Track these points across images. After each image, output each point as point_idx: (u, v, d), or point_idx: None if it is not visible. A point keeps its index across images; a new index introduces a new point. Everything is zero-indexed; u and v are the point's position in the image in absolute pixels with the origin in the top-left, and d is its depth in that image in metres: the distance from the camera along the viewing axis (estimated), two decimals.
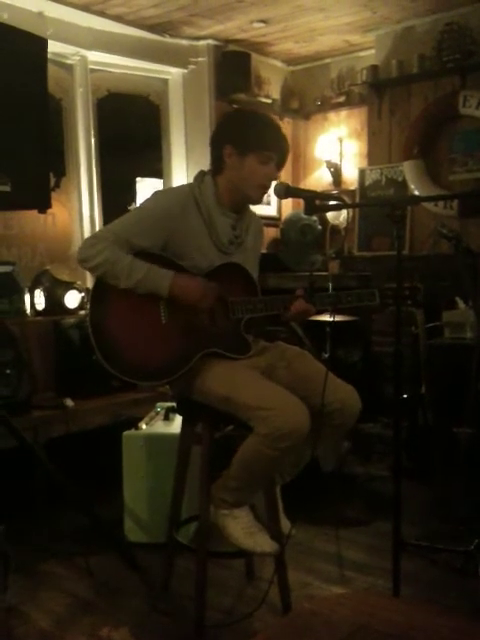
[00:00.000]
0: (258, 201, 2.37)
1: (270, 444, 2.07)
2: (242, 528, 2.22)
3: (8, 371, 3.28)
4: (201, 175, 2.38)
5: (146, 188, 4.89)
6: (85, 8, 4.31)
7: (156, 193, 2.37)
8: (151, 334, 2.23)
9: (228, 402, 2.18)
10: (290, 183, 2.43)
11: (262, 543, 2.23)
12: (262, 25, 4.65)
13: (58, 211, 4.44)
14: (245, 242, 2.43)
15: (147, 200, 2.32)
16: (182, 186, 2.44)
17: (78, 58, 4.51)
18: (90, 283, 4.50)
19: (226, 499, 2.23)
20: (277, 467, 2.26)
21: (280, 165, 2.34)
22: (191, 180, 2.41)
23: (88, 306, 2.24)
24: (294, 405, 2.10)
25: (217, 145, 2.34)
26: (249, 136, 2.28)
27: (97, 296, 2.23)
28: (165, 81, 5.09)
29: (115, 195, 4.82)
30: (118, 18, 4.51)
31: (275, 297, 2.29)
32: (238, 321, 2.30)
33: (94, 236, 2.29)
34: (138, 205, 2.34)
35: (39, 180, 2.89)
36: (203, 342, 2.26)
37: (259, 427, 2.08)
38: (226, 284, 2.30)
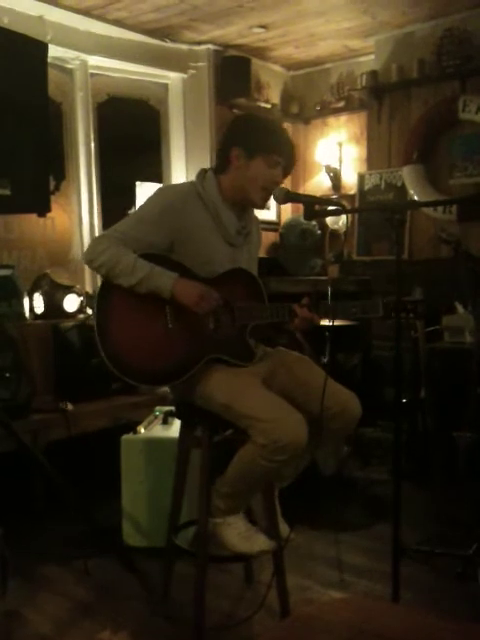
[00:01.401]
0: (261, 205, 2.37)
1: (267, 456, 2.07)
2: (237, 533, 2.23)
3: (7, 374, 3.28)
4: (203, 172, 2.38)
5: (146, 192, 4.90)
6: (85, 12, 4.32)
7: (159, 189, 2.36)
8: (156, 338, 2.22)
9: (228, 410, 2.17)
10: (289, 188, 2.42)
11: (259, 543, 2.23)
12: (262, 30, 4.67)
13: (58, 215, 4.45)
14: (251, 233, 2.44)
15: (150, 197, 2.31)
16: (184, 183, 2.45)
17: (78, 62, 4.52)
18: (89, 287, 4.50)
19: (220, 506, 2.24)
20: (272, 476, 2.26)
21: (286, 171, 2.34)
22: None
23: (95, 309, 2.23)
24: (293, 418, 2.10)
25: (225, 146, 2.34)
26: (258, 139, 2.29)
27: (103, 298, 2.23)
28: (165, 86, 5.10)
29: (115, 199, 4.83)
30: (118, 23, 4.52)
31: (281, 305, 2.28)
32: (243, 328, 2.30)
33: (100, 236, 2.29)
34: (142, 203, 2.33)
35: (39, 184, 2.89)
36: (207, 348, 2.25)
37: (257, 437, 2.08)
38: (233, 290, 2.30)
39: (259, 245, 2.58)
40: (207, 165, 2.44)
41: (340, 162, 5.38)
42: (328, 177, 5.39)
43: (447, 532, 2.98)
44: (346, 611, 1.48)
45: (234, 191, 2.34)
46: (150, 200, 2.31)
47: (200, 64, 5.01)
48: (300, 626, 1.43)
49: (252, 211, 2.48)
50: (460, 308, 3.75)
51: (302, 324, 2.27)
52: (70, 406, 3.48)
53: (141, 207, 2.32)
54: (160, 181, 5.13)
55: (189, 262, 2.27)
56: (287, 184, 2.40)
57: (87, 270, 4.55)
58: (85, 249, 2.27)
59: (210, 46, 4.96)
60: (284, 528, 2.39)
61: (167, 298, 2.19)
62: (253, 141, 2.28)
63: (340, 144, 5.37)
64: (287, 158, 2.31)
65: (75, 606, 2.58)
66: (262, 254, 2.68)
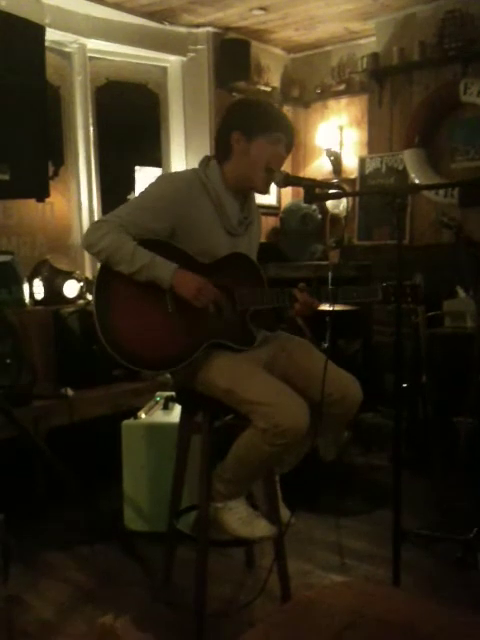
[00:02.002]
0: (263, 190, 2.35)
1: (268, 440, 2.07)
2: (238, 518, 2.23)
3: (8, 361, 3.28)
4: (206, 159, 2.36)
5: (145, 177, 4.88)
6: None
7: (161, 177, 2.35)
8: (157, 323, 2.21)
9: (229, 395, 2.17)
10: (290, 172, 2.40)
11: (260, 529, 2.23)
12: (262, 12, 4.62)
13: (57, 200, 4.42)
14: (252, 224, 2.42)
15: (152, 184, 2.29)
16: (187, 170, 2.42)
17: (77, 46, 4.48)
18: (89, 273, 4.49)
19: (221, 491, 2.24)
20: (273, 462, 2.26)
21: (288, 148, 2.32)
22: (192, 168, 2.39)
23: (94, 294, 2.21)
24: (295, 402, 2.10)
25: (224, 133, 2.32)
26: (255, 120, 2.27)
27: (102, 283, 2.21)
28: (164, 69, 5.06)
29: (114, 184, 4.80)
30: (117, 5, 4.47)
31: (282, 290, 2.27)
32: (244, 312, 2.29)
33: (100, 220, 2.27)
34: (143, 189, 2.31)
35: (38, 169, 2.87)
36: (208, 333, 2.25)
37: (258, 422, 2.08)
38: (233, 274, 2.29)
39: (259, 235, 2.56)
40: (207, 149, 2.43)
41: (341, 146, 5.34)
42: (329, 161, 5.35)
43: (447, 518, 2.99)
44: (347, 595, 1.48)
45: (237, 178, 2.32)
46: (152, 187, 2.29)
47: (199, 47, 4.97)
48: (301, 610, 1.43)
49: (254, 200, 2.46)
50: (461, 293, 3.74)
51: (303, 309, 2.26)
52: (71, 392, 3.48)
53: (142, 193, 2.31)
54: (159, 165, 5.10)
55: (189, 249, 2.26)
56: (287, 168, 2.38)
57: (87, 256, 4.53)
58: (84, 233, 2.26)
59: (209, 29, 4.91)
60: (285, 513, 2.39)
61: (166, 289, 2.18)
62: (251, 122, 2.26)
63: (341, 128, 5.34)
64: (287, 134, 2.30)
65: (77, 592, 2.60)
66: (262, 239, 2.66)
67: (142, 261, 2.14)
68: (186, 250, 2.25)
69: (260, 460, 2.15)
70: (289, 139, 2.31)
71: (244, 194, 2.38)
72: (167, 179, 2.38)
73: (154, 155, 5.10)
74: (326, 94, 5.38)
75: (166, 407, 3.24)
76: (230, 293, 2.27)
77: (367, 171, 5.10)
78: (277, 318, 2.43)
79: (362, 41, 5.16)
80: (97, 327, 2.17)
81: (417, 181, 4.65)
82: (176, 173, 2.62)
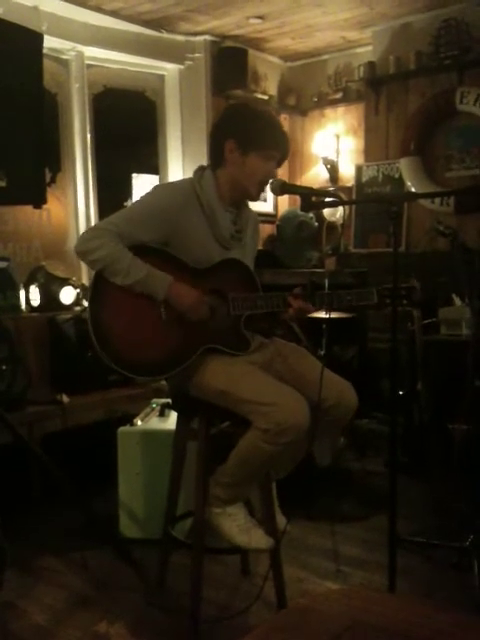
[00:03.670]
0: (256, 198, 2.37)
1: (270, 439, 2.07)
2: (236, 525, 2.23)
3: (3, 367, 3.28)
4: (201, 170, 2.37)
5: (142, 184, 4.89)
6: (81, 3, 4.29)
7: (157, 187, 2.36)
8: (151, 329, 2.22)
9: (226, 397, 2.17)
10: (287, 180, 2.41)
11: (257, 539, 2.23)
12: (259, 21, 4.65)
13: (53, 207, 4.43)
14: (245, 237, 2.43)
15: (148, 194, 2.30)
16: (182, 181, 2.43)
17: (74, 53, 4.49)
18: (86, 279, 4.49)
19: (220, 496, 2.23)
20: (274, 463, 2.26)
21: (281, 162, 2.34)
22: (188, 176, 2.40)
23: (88, 299, 2.22)
24: (294, 400, 2.10)
25: (218, 139, 2.32)
26: (252, 133, 2.27)
27: (97, 290, 2.22)
28: (161, 77, 5.08)
29: (111, 191, 4.81)
30: (114, 13, 4.49)
31: (275, 294, 2.28)
32: (238, 317, 2.30)
33: (95, 228, 2.27)
34: (139, 198, 2.32)
35: (35, 175, 2.88)
36: (202, 338, 2.25)
37: (259, 422, 2.08)
38: (227, 280, 2.29)
39: (256, 244, 2.57)
40: (203, 156, 2.44)
41: (337, 154, 5.36)
42: (325, 169, 5.37)
43: (443, 523, 2.99)
44: (342, 602, 1.48)
45: (231, 186, 2.33)
46: (147, 198, 2.30)
47: (197, 55, 4.99)
48: (296, 617, 1.43)
49: (249, 210, 2.46)
50: (457, 300, 3.74)
51: (297, 314, 2.27)
52: (66, 398, 3.48)
53: (139, 203, 2.31)
54: (156, 173, 5.11)
55: (181, 256, 2.27)
56: (284, 176, 2.39)
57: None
58: (78, 239, 2.26)
59: (207, 37, 4.93)
60: (281, 520, 2.39)
61: (160, 300, 2.20)
62: (247, 136, 2.27)
63: (337, 136, 5.36)
64: (282, 151, 2.31)
65: (71, 597, 2.59)
66: (259, 247, 2.67)
67: (138, 275, 2.15)
68: (180, 257, 2.26)
69: (262, 461, 2.15)
70: (283, 154, 2.32)
71: (237, 205, 2.39)
72: (164, 190, 2.39)
73: (151, 162, 5.12)
74: (323, 102, 5.40)
75: (162, 414, 3.24)
76: (224, 298, 2.28)
77: (364, 179, 5.12)
78: (272, 323, 2.44)
79: (359, 50, 5.19)
80: (91, 333, 2.18)
81: (413, 189, 4.67)
82: (173, 184, 2.62)
